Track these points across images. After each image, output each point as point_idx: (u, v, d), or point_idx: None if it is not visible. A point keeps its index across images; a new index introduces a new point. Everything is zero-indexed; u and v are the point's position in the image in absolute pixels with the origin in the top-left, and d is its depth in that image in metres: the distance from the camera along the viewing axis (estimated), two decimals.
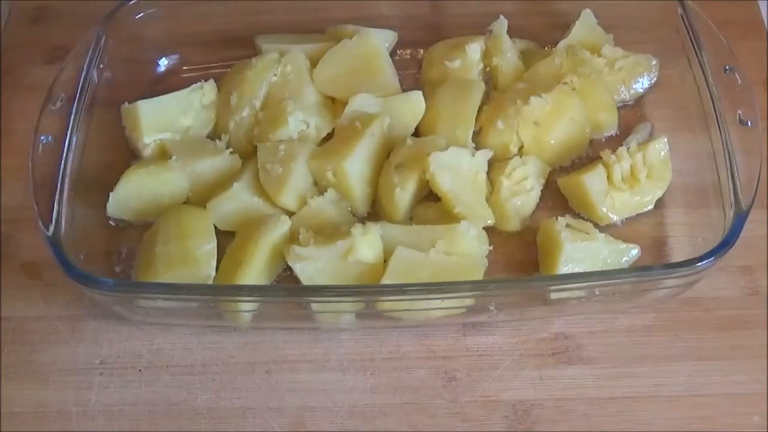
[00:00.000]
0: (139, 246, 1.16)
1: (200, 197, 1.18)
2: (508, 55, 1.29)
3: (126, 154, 1.26)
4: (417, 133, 1.24)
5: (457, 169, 1.15)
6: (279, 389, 1.09)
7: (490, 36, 1.31)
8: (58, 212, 1.07)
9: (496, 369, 1.09)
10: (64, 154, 1.12)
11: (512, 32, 1.31)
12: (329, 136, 1.24)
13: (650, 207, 1.19)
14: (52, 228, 1.05)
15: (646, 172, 1.17)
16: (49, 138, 1.12)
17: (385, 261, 1.10)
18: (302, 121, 1.22)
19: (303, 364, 1.10)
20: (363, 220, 1.17)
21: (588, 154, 1.25)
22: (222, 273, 1.11)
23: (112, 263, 1.17)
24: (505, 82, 1.28)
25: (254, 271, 1.09)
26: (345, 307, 1.08)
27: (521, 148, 1.21)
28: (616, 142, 1.25)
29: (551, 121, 1.20)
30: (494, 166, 1.20)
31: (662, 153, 1.19)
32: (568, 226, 1.13)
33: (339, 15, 1.34)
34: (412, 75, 1.35)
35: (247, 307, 1.08)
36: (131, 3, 1.28)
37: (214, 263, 1.11)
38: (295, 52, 1.28)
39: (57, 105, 1.15)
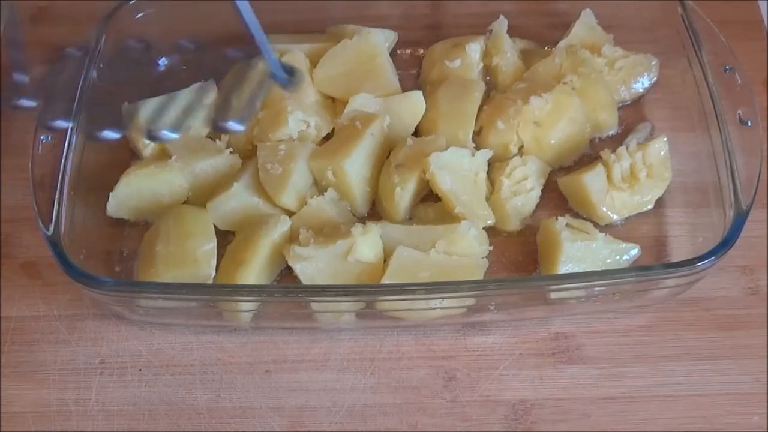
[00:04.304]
0: (139, 246, 1.16)
1: (200, 197, 1.18)
2: (508, 55, 1.29)
3: (126, 154, 1.26)
4: (417, 133, 1.24)
5: (457, 169, 1.16)
6: (279, 389, 1.09)
7: (490, 36, 1.31)
8: (58, 212, 1.08)
9: (495, 369, 1.09)
10: (64, 154, 1.12)
11: (512, 32, 1.31)
12: (329, 136, 1.24)
13: (650, 207, 1.19)
14: (52, 228, 1.06)
15: (646, 172, 1.17)
16: (49, 138, 1.12)
17: (385, 261, 1.10)
18: (302, 120, 1.22)
19: (303, 364, 1.10)
20: (363, 220, 1.17)
21: (588, 154, 1.25)
22: (222, 273, 1.11)
23: (112, 263, 1.17)
24: (505, 82, 1.28)
25: (254, 271, 1.09)
26: (345, 307, 1.08)
27: (521, 148, 1.22)
28: (616, 141, 1.25)
29: (551, 121, 1.20)
30: (494, 166, 1.20)
31: (662, 152, 1.19)
32: (568, 225, 1.13)
33: (339, 15, 1.34)
34: (412, 75, 1.35)
35: (247, 307, 1.08)
36: (131, 3, 1.29)
37: (214, 263, 1.11)
38: (295, 51, 1.28)
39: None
